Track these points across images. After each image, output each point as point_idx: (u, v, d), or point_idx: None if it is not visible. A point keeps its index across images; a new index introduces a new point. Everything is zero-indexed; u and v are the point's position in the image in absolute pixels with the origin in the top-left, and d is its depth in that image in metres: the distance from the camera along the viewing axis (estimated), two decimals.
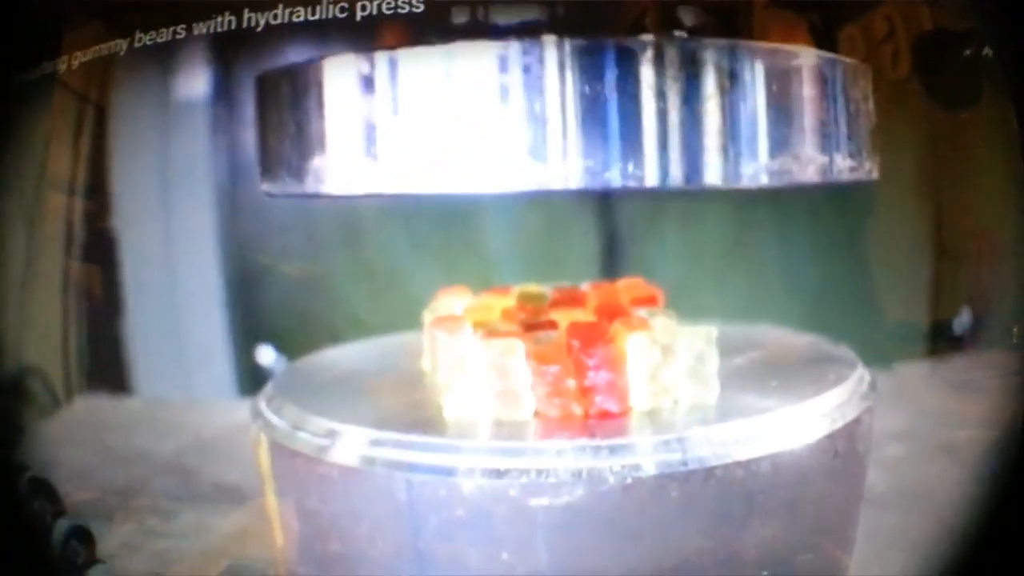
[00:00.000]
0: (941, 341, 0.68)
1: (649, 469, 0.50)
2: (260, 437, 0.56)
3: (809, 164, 0.52)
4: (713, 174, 0.50)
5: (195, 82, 0.70)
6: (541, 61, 0.48)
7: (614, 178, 0.49)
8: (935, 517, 0.64)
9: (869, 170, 0.56)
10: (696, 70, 0.49)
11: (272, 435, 0.55)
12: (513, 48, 0.49)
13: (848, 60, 0.55)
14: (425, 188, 0.51)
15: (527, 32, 0.52)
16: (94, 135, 0.68)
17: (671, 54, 0.49)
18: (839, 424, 0.53)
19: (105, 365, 0.69)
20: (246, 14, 0.56)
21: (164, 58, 0.69)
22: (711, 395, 0.54)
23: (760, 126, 0.50)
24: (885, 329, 0.58)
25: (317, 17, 0.59)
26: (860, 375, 0.57)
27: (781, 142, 0.51)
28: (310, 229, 0.70)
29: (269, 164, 0.56)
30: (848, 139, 0.54)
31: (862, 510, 0.58)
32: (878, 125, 0.65)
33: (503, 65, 0.49)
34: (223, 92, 0.71)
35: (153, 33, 0.59)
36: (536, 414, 0.53)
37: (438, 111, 0.49)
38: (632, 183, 0.49)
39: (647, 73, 0.48)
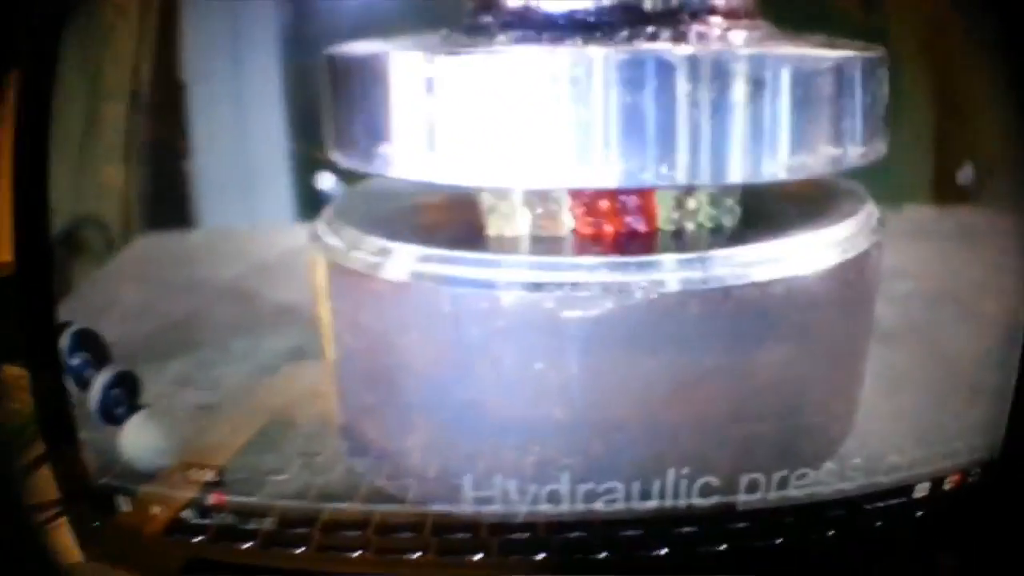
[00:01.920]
0: (946, 190, 0.71)
1: (672, 286, 0.54)
2: (318, 258, 0.61)
3: (824, 157, 0.57)
4: (736, 173, 0.55)
5: None
6: (588, 74, 0.53)
7: (649, 179, 0.54)
8: (944, 362, 0.68)
9: (879, 150, 0.60)
10: (726, 80, 0.53)
11: (329, 255, 0.60)
12: (562, 60, 0.53)
13: (868, 54, 0.58)
14: (478, 182, 0.57)
15: (575, 26, 0.57)
16: None
17: (704, 66, 0.53)
18: (850, 254, 0.58)
19: (167, 203, 0.72)
20: None
21: None
22: (731, 220, 0.59)
23: (782, 128, 0.55)
24: (892, 173, 0.61)
25: None
26: (870, 210, 0.61)
27: (800, 140, 0.55)
28: None
29: (341, 141, 0.61)
30: (862, 129, 0.58)
31: (871, 347, 0.63)
32: None
33: (553, 76, 0.53)
34: None
35: None
36: (573, 232, 0.58)
37: (493, 113, 0.54)
38: (665, 183, 0.54)
39: (682, 84, 0.53)
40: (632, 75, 0.53)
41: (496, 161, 0.55)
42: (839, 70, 0.57)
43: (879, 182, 0.62)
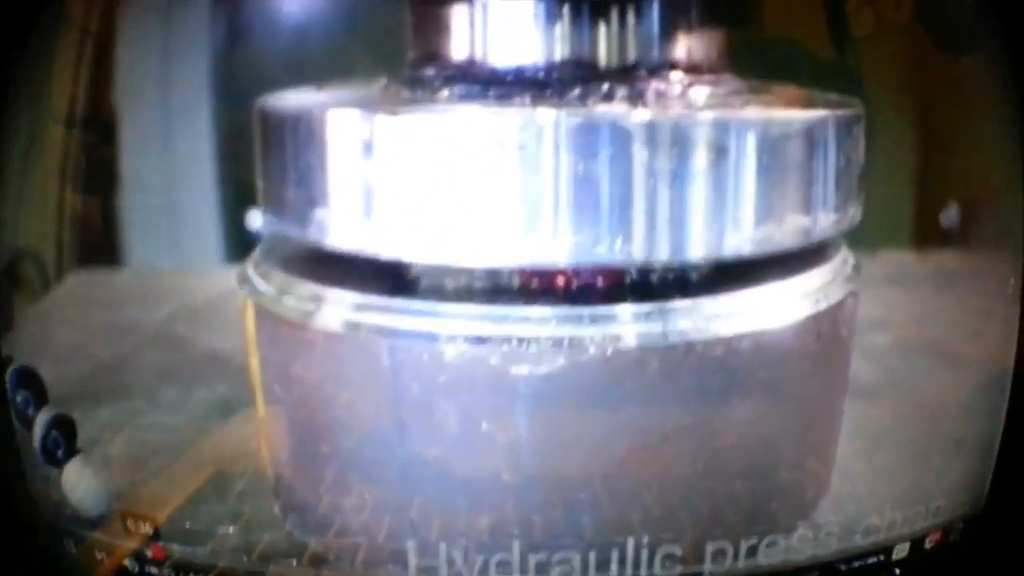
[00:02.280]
0: (927, 233, 0.68)
1: (630, 340, 0.50)
2: (247, 303, 0.57)
3: (793, 228, 0.53)
4: (697, 249, 0.51)
5: None
6: (538, 139, 0.49)
7: (603, 254, 0.50)
8: (925, 417, 0.65)
9: (852, 216, 0.56)
10: (686, 148, 0.49)
11: (257, 301, 0.55)
12: (510, 124, 0.49)
13: (842, 112, 0.55)
14: (419, 257, 0.52)
15: (524, 83, 0.53)
16: (102, 13, 0.68)
17: (663, 132, 0.49)
18: (823, 305, 0.54)
19: (99, 240, 0.69)
20: None
21: None
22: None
23: (747, 198, 0.51)
24: (870, 214, 0.57)
25: None
26: (844, 256, 0.57)
27: (766, 211, 0.51)
28: None
29: (272, 204, 0.56)
30: (835, 195, 0.54)
31: (847, 403, 0.59)
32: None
33: (500, 141, 0.49)
34: None
35: None
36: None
37: (434, 180, 0.50)
38: (621, 258, 0.50)
39: (639, 152, 0.49)
40: (585, 142, 0.49)
41: (436, 233, 0.51)
42: (810, 133, 0.53)
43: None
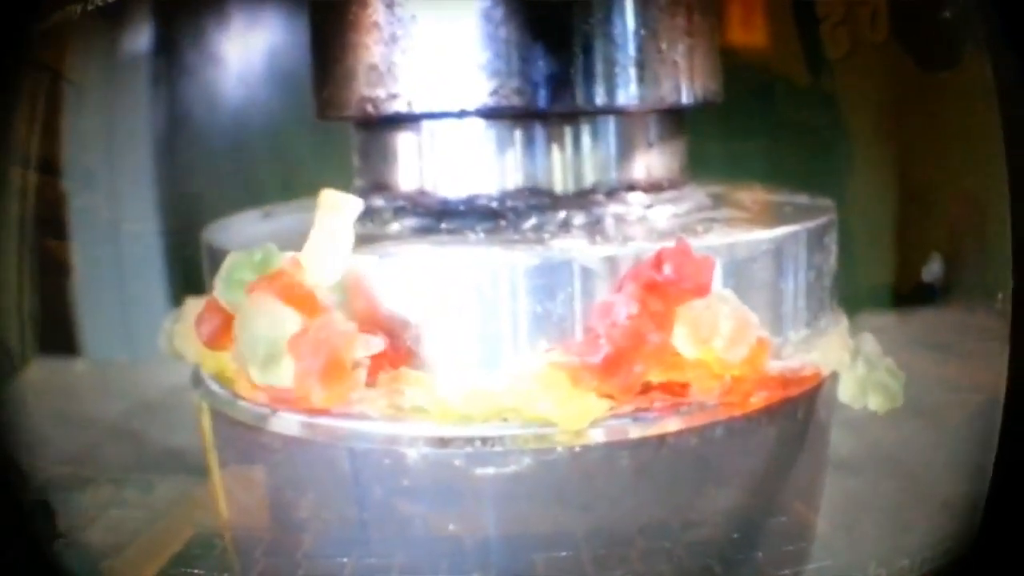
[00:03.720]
0: (909, 292, 0.66)
1: (597, 437, 0.48)
2: (202, 405, 0.54)
3: None
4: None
5: (140, 41, 0.69)
6: (495, 282, 0.47)
7: None
8: (907, 483, 0.63)
9: (823, 328, 0.54)
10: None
11: (212, 403, 0.53)
12: (467, 263, 0.48)
13: (812, 223, 0.53)
14: None
15: (477, 213, 0.52)
16: (49, 105, 0.67)
17: (624, 267, 0.47)
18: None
19: (55, 328, 0.68)
20: None
21: (112, 19, 0.68)
22: None
23: None
24: (848, 276, 0.55)
25: None
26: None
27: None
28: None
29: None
30: (806, 310, 0.52)
31: (828, 474, 0.57)
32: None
33: (456, 279, 0.48)
34: (166, 50, 0.69)
35: None
36: None
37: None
38: None
39: (601, 288, 0.47)
40: (544, 282, 0.47)
41: None
42: (778, 250, 0.51)
43: None
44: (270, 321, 0.48)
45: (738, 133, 0.67)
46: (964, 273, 0.65)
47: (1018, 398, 0.55)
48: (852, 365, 0.51)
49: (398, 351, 0.48)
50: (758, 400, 0.49)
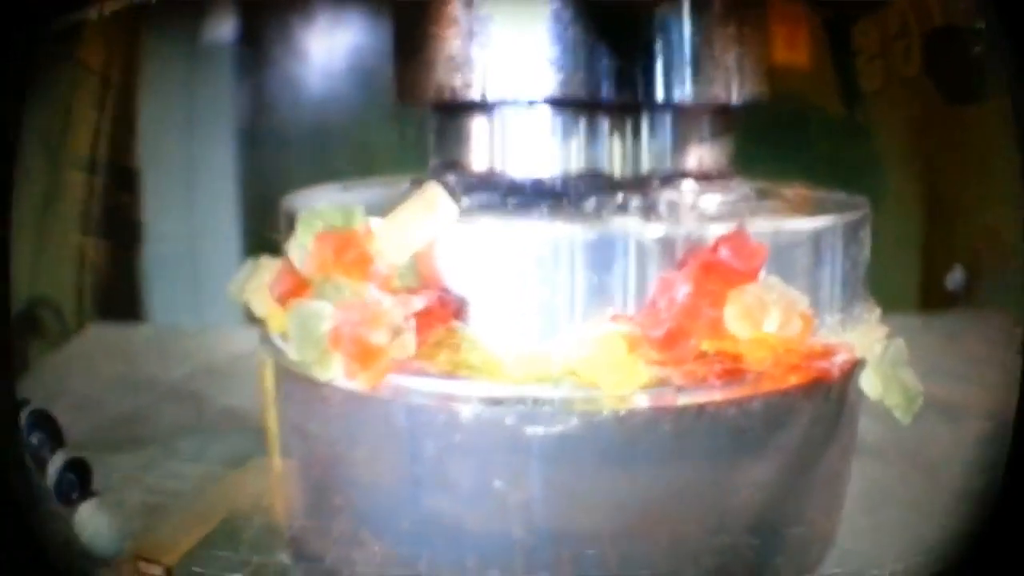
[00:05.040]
0: (932, 296, 0.69)
1: (641, 402, 0.51)
2: (266, 361, 0.57)
3: None
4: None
5: (222, 30, 0.72)
6: (555, 254, 0.51)
7: None
8: (928, 473, 0.65)
9: (858, 316, 0.57)
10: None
11: (278, 359, 0.56)
12: (529, 235, 0.51)
13: (848, 216, 0.56)
14: None
15: (541, 191, 0.56)
16: (122, 81, 0.69)
17: (677, 246, 0.51)
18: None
19: (119, 294, 0.70)
20: None
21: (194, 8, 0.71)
22: None
23: None
24: (874, 278, 0.58)
25: None
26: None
27: None
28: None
29: None
30: (841, 297, 0.56)
31: (853, 462, 0.59)
32: None
33: (519, 249, 0.51)
34: (248, 37, 0.72)
35: None
36: None
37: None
38: None
39: (652, 267, 0.51)
40: (600, 256, 0.51)
41: None
42: (817, 240, 0.54)
43: None
44: (308, 321, 0.52)
45: (775, 161, 0.71)
46: (983, 289, 0.68)
47: None
48: (881, 356, 0.54)
49: (446, 306, 0.51)
50: (798, 375, 0.52)
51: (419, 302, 0.50)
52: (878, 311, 0.58)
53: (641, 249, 0.51)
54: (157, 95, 0.71)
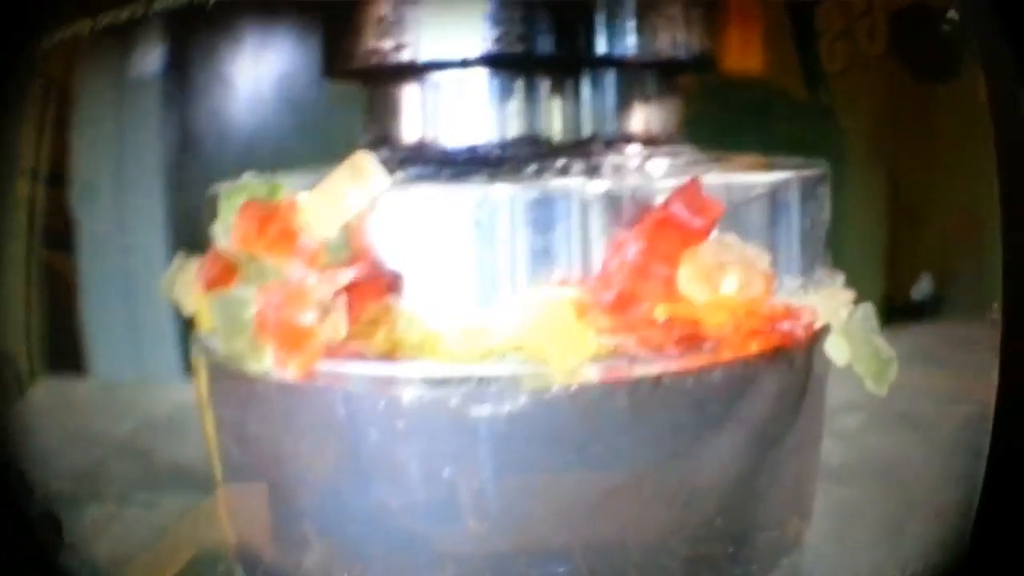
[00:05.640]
0: (899, 307, 0.66)
1: (592, 375, 0.48)
2: (200, 363, 0.54)
3: None
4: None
5: (150, 60, 0.71)
6: (493, 215, 0.48)
7: None
8: (897, 492, 0.62)
9: (819, 280, 0.55)
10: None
11: (211, 358, 0.53)
12: (464, 200, 0.49)
13: (806, 173, 0.54)
14: None
15: (477, 158, 0.53)
16: (56, 120, 0.68)
17: (621, 203, 0.48)
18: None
19: (64, 348, 0.68)
20: None
21: (123, 38, 0.69)
22: None
23: None
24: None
25: None
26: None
27: None
28: None
29: None
30: (800, 258, 0.53)
31: (820, 484, 0.57)
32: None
33: (454, 217, 0.49)
34: (176, 69, 0.71)
35: (114, 12, 0.59)
36: None
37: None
38: None
39: (596, 224, 0.48)
40: (542, 216, 0.48)
41: None
42: (772, 195, 0.52)
43: None
44: (232, 309, 0.49)
45: (733, 147, 0.69)
46: (956, 285, 0.66)
47: (1008, 410, 0.55)
48: (848, 320, 0.51)
49: (378, 280, 0.48)
50: (760, 340, 0.49)
51: (347, 276, 0.47)
52: (841, 277, 0.55)
53: (584, 207, 0.48)
54: (90, 133, 0.69)
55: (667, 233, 0.48)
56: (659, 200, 0.48)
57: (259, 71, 0.71)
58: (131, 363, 0.72)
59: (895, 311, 0.66)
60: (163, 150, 0.71)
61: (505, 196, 0.48)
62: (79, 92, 0.69)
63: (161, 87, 0.71)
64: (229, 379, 0.52)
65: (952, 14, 0.61)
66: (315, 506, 0.51)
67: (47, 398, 0.67)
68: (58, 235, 0.68)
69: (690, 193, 0.48)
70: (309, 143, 0.66)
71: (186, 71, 0.71)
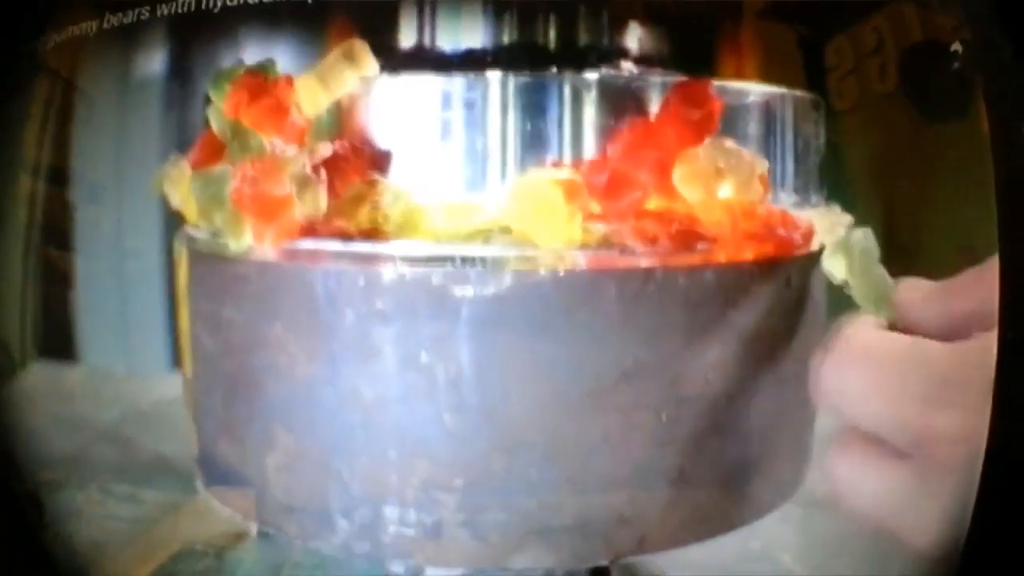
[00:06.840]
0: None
1: (581, 261, 0.46)
2: (181, 254, 0.53)
3: None
4: None
5: (154, 62, 0.71)
6: (484, 98, 0.48)
7: None
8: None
9: (815, 203, 0.55)
10: (639, 108, 0.49)
11: (192, 247, 0.52)
12: (456, 84, 0.49)
13: (799, 93, 0.54)
14: None
15: (472, 62, 0.53)
16: (60, 116, 0.68)
17: (614, 92, 0.49)
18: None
19: (56, 334, 0.68)
20: None
21: (128, 39, 0.70)
22: None
23: None
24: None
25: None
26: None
27: None
28: None
29: None
30: (794, 175, 0.53)
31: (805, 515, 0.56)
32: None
33: (446, 100, 0.48)
34: (180, 72, 0.71)
35: (120, 15, 0.59)
36: None
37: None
38: None
39: (589, 111, 0.48)
40: (534, 100, 0.48)
41: None
42: (767, 106, 0.52)
43: None
44: (212, 187, 0.49)
45: None
46: None
47: (1001, 447, 0.53)
48: (846, 237, 0.50)
49: (360, 156, 0.47)
50: (756, 245, 0.48)
51: (326, 149, 0.46)
52: (838, 208, 0.54)
53: (578, 93, 0.47)
54: (92, 130, 0.70)
55: (667, 125, 0.47)
56: (654, 93, 0.48)
57: None
58: (120, 355, 0.71)
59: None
60: (164, 151, 0.71)
61: (497, 78, 0.48)
62: (84, 90, 0.69)
63: (165, 91, 0.71)
64: (208, 265, 0.51)
65: (957, 46, 0.61)
66: (283, 398, 0.49)
67: (38, 383, 0.66)
68: (57, 231, 0.68)
69: (690, 86, 0.47)
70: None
71: (191, 74, 0.71)
